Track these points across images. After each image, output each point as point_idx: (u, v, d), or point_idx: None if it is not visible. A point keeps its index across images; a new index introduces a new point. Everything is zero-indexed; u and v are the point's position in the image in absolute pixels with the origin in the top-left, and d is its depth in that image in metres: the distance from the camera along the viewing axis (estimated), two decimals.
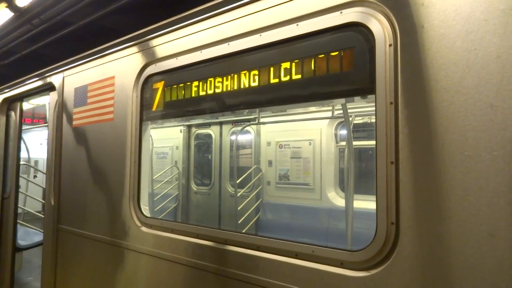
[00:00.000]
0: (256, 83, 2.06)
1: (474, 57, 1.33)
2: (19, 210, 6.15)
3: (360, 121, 5.27)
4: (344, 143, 5.57)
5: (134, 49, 2.84)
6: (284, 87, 1.94)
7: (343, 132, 5.72)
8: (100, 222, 3.02)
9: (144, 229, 2.60)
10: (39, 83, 4.03)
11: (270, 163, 6.26)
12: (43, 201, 7.53)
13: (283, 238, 1.87)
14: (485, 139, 1.28)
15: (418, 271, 1.40)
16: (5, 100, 4.66)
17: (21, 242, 5.22)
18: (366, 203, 4.66)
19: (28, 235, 5.74)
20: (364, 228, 4.51)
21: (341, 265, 1.62)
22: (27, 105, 5.26)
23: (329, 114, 5.29)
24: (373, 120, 5.13)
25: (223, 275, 2.07)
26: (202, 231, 2.24)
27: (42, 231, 5.69)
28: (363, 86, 1.71)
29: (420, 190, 1.42)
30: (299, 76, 1.88)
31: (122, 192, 2.80)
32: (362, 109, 5.10)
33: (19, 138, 4.56)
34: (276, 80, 1.96)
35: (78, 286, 3.24)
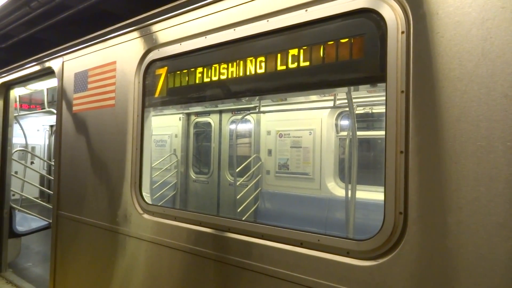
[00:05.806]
0: (262, 70, 2.02)
1: (490, 46, 1.30)
2: (17, 196, 6.14)
3: (362, 111, 5.24)
4: (344, 133, 5.54)
5: (136, 33, 2.78)
6: (291, 75, 1.91)
7: (344, 122, 5.69)
8: (101, 209, 3.00)
9: (146, 216, 2.58)
10: (38, 67, 3.97)
11: (269, 152, 6.24)
12: (40, 187, 7.54)
13: (288, 226, 1.87)
14: (499, 129, 1.26)
15: (426, 261, 1.39)
16: (2, 84, 4.60)
17: (20, 228, 5.22)
18: (363, 193, 4.65)
19: (26, 221, 5.73)
20: (360, 218, 4.52)
21: (347, 254, 1.61)
22: (25, 91, 5.19)
23: (330, 103, 5.25)
24: (375, 110, 5.12)
25: (227, 263, 2.07)
26: (205, 219, 2.23)
27: (40, 217, 5.71)
28: (374, 74, 1.68)
29: (430, 180, 1.40)
30: (307, 64, 1.84)
31: (123, 179, 2.78)
32: (363, 99, 5.06)
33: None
34: (284, 68, 1.92)
35: (78, 272, 3.24)
